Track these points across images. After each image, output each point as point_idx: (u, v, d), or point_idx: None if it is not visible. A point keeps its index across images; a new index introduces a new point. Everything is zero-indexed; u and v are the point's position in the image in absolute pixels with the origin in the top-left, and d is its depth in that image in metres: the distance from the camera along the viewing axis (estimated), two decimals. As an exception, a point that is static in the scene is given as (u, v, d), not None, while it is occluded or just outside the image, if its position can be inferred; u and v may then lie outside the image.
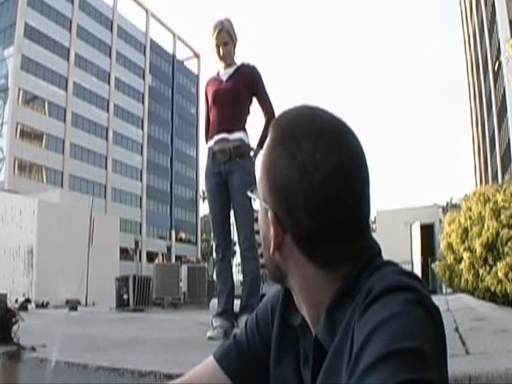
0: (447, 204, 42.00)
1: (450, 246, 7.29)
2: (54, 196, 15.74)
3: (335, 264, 0.67)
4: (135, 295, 7.72)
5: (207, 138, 3.45)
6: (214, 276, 3.84)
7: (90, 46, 53.51)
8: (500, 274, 4.90)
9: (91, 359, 2.12)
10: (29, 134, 46.16)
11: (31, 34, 46.17)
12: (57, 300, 10.62)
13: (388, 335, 0.53)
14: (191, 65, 72.38)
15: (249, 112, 3.42)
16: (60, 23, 49.90)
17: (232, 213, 3.39)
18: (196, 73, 71.31)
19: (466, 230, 6.38)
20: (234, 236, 3.51)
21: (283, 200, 0.68)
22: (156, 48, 64.69)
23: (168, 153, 64.81)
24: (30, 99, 45.77)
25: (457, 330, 2.91)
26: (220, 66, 3.45)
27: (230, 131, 3.30)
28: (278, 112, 0.75)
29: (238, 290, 3.38)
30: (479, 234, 5.59)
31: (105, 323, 5.08)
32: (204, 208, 68.15)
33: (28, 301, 9.37)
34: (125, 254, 33.61)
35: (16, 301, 8.52)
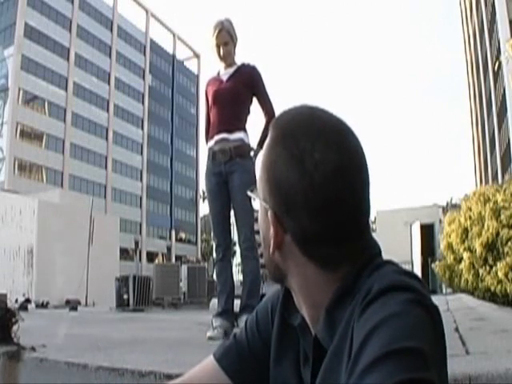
0: (447, 204, 42.01)
1: (450, 246, 7.30)
2: (54, 196, 15.73)
3: (335, 264, 0.67)
4: (135, 295, 7.72)
5: (207, 138, 3.45)
6: (214, 276, 3.83)
7: (89, 45, 53.51)
8: (500, 274, 4.90)
9: (91, 359, 2.12)
10: (29, 134, 46.16)
11: (31, 33, 46.17)
12: (57, 300, 10.63)
13: (387, 335, 0.53)
14: (191, 65, 72.45)
15: (249, 112, 3.42)
16: (60, 23, 49.90)
17: (232, 213, 3.39)
18: (196, 73, 71.31)
19: (465, 230, 6.38)
20: (234, 236, 3.51)
21: (283, 200, 0.68)
22: (156, 48, 64.69)
23: (168, 153, 64.81)
24: (30, 99, 45.77)
25: (457, 330, 2.91)
26: (220, 66, 3.45)
27: (230, 131, 3.30)
28: (278, 112, 0.75)
29: (238, 290, 3.38)
30: (479, 234, 5.59)
31: (105, 323, 5.08)
32: (204, 208, 68.25)
33: (28, 301, 9.37)
34: (125, 254, 33.61)
35: (16, 301, 8.52)
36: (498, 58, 24.85)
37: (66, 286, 11.76)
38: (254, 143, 3.34)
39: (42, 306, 9.48)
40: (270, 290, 0.91)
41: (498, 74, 29.31)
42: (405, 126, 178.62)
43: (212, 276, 10.38)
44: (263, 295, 3.05)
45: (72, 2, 51.30)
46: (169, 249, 57.93)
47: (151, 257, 53.26)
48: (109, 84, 56.05)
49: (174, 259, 51.87)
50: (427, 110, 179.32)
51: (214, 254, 3.52)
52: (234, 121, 3.33)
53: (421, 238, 16.29)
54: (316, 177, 0.65)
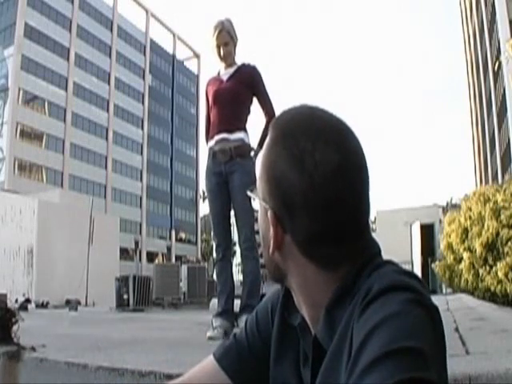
0: (447, 204, 42.03)
1: (450, 245, 7.30)
2: (54, 196, 15.72)
3: (335, 264, 0.67)
4: (135, 295, 7.72)
5: (207, 138, 3.45)
6: (214, 276, 3.84)
7: (89, 45, 53.51)
8: (500, 274, 4.90)
9: (91, 359, 2.12)
10: (29, 134, 46.16)
11: (31, 34, 46.17)
12: (57, 300, 10.63)
13: (387, 334, 0.53)
14: (191, 65, 72.45)
15: (249, 112, 3.42)
16: (60, 23, 49.91)
17: (232, 213, 3.39)
18: (196, 73, 71.31)
19: (465, 230, 6.38)
20: (234, 236, 3.51)
21: (283, 200, 0.68)
22: (156, 48, 64.68)
23: (168, 153, 64.81)
24: (30, 99, 45.78)
25: (457, 329, 2.91)
26: (221, 66, 3.45)
27: (230, 131, 3.31)
28: (278, 112, 0.75)
29: (238, 290, 3.38)
30: (479, 234, 5.59)
31: (105, 323, 5.08)
32: (204, 208, 68.30)
33: (28, 301, 9.37)
34: (125, 254, 33.60)
35: (16, 301, 8.52)
36: (498, 57, 24.85)
37: (65, 286, 11.76)
38: (254, 143, 3.34)
39: (42, 306, 9.48)
40: (269, 289, 0.91)
41: (498, 74, 29.32)
42: (405, 126, 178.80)
43: (212, 276, 10.38)
44: (263, 295, 3.05)
45: (72, 2, 51.30)
46: (169, 249, 57.93)
47: (151, 257, 53.25)
48: (109, 84, 56.06)
49: (174, 259, 51.89)
50: (427, 109, 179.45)
51: (214, 254, 3.52)
52: (235, 121, 3.34)
53: (421, 238, 16.29)
54: (316, 177, 0.65)
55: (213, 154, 3.36)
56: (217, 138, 3.33)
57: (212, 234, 3.55)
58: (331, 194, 0.65)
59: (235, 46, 3.42)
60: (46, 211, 12.98)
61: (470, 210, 6.36)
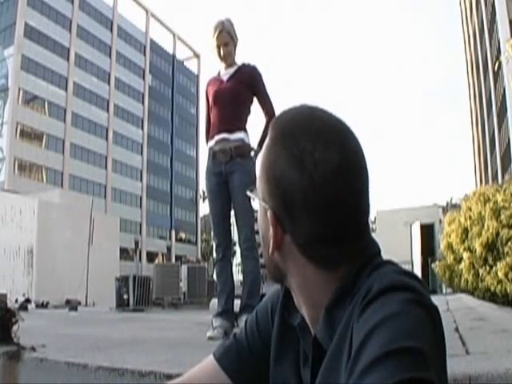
0: (447, 204, 42.04)
1: (449, 246, 7.29)
2: (54, 196, 15.73)
3: (335, 264, 0.67)
4: (135, 295, 7.73)
5: (208, 138, 3.45)
6: (214, 276, 3.84)
7: (89, 45, 53.52)
8: (500, 274, 4.90)
9: (91, 359, 2.12)
10: (29, 134, 46.17)
11: (31, 34, 46.17)
12: (57, 300, 10.63)
13: (387, 335, 0.53)
14: (191, 65, 72.45)
15: (249, 112, 3.43)
16: (60, 23, 49.91)
17: (232, 213, 3.39)
18: (196, 73, 71.32)
19: (465, 230, 6.38)
20: (235, 236, 3.51)
21: (282, 200, 0.68)
22: (156, 48, 64.69)
23: (168, 153, 64.82)
24: (30, 99, 45.78)
25: (457, 329, 2.91)
26: (221, 66, 3.45)
27: (230, 131, 3.31)
28: (278, 112, 0.75)
29: (238, 290, 3.38)
30: (479, 234, 5.59)
31: (105, 323, 5.08)
32: (204, 208, 68.29)
33: (28, 301, 9.38)
34: (125, 253, 33.61)
35: (16, 301, 8.53)
36: (498, 57, 24.86)
37: (65, 286, 11.77)
38: (254, 143, 3.34)
39: (42, 305, 9.48)
40: (269, 289, 0.91)
41: (497, 74, 29.32)
42: (405, 126, 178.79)
43: (212, 276, 10.38)
44: (263, 295, 3.05)
45: (72, 2, 51.30)
46: (169, 249, 57.94)
47: (151, 257, 53.25)
48: (109, 84, 56.06)
49: (174, 259, 51.88)
50: (427, 109, 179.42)
51: (214, 254, 3.52)
52: (235, 121, 3.34)
53: (421, 238, 16.30)
54: (316, 177, 0.65)
55: (213, 154, 3.36)
56: (217, 138, 3.33)
57: (212, 234, 3.55)
58: (331, 194, 0.65)
59: (235, 46, 3.42)
60: (46, 211, 12.99)
61: (470, 210, 6.36)
